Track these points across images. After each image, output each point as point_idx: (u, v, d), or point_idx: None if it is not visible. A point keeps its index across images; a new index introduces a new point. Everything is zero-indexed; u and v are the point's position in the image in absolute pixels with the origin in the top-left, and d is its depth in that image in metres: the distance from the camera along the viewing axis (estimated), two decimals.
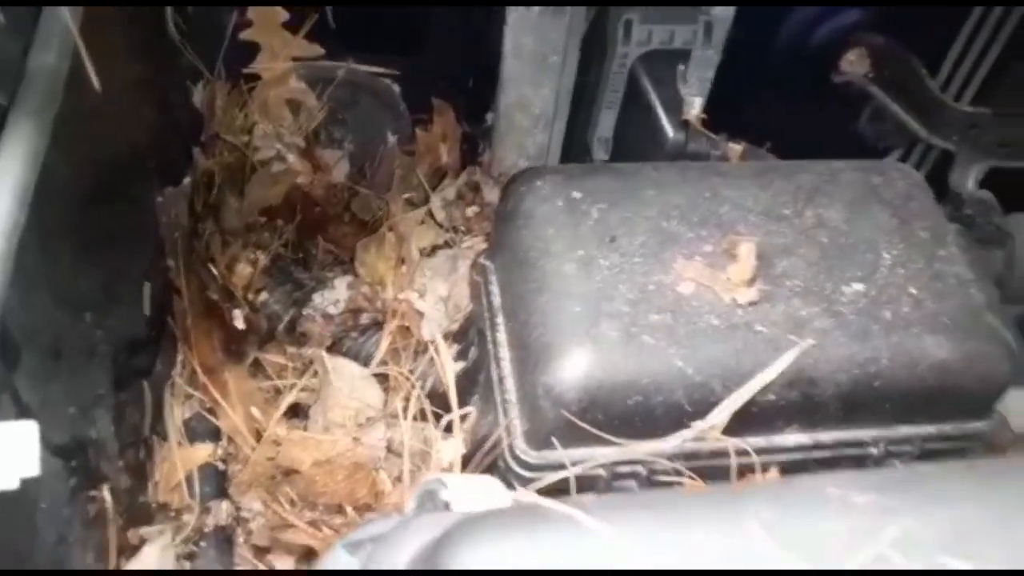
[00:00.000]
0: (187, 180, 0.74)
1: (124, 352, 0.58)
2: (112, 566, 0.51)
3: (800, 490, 0.32)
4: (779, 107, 0.99)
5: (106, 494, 0.50)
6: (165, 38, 0.76)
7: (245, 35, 0.85)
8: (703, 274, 0.58)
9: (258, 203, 0.75)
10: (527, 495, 0.41)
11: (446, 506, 0.38)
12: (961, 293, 0.60)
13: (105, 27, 0.56)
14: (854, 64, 0.90)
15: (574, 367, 0.55)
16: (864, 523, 0.30)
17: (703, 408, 0.56)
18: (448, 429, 0.70)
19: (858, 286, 0.59)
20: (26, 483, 0.34)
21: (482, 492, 0.38)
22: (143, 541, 0.55)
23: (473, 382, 0.71)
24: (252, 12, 0.84)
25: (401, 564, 0.33)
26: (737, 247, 0.58)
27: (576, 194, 0.63)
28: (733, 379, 0.56)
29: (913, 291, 0.60)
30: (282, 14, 0.85)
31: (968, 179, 0.90)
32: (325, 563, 0.36)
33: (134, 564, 0.54)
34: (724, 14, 0.80)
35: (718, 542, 0.29)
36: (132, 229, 0.62)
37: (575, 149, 0.94)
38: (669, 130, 0.77)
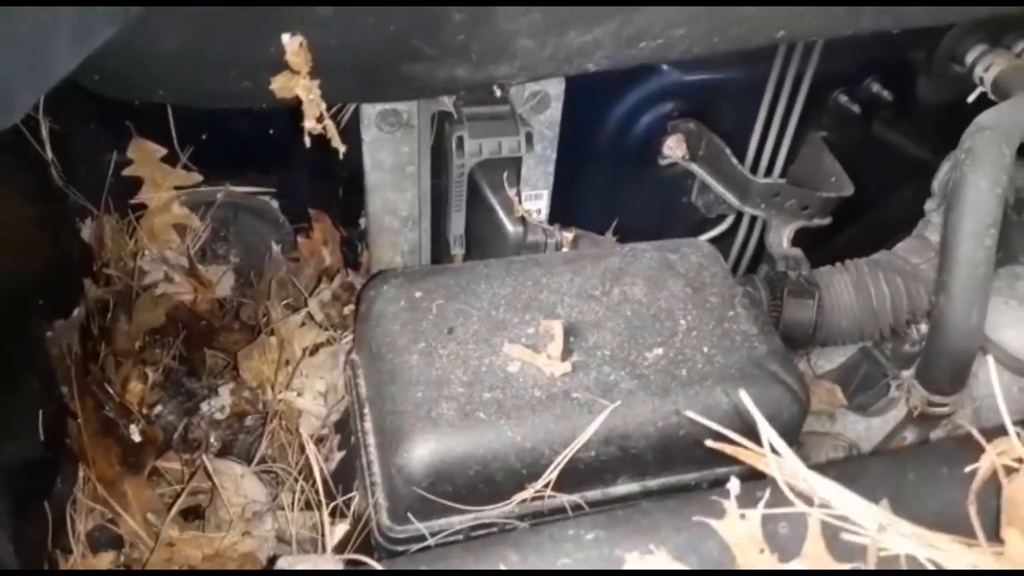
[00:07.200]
0: (78, 311, 0.81)
1: (22, 475, 0.65)
2: None
3: (543, 534, 0.42)
4: (620, 190, 1.12)
5: None
6: (50, 184, 0.84)
7: (127, 172, 0.94)
8: (526, 353, 0.68)
9: (144, 325, 0.84)
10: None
11: None
12: (747, 347, 0.71)
13: None
14: (674, 148, 1.04)
15: (418, 447, 0.64)
16: (592, 555, 0.39)
17: (537, 470, 0.66)
18: (334, 514, 0.78)
19: (658, 350, 0.70)
20: None
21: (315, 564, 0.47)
22: None
23: (355, 468, 0.80)
24: (132, 151, 0.93)
25: None
26: (551, 328, 0.68)
27: (417, 293, 0.73)
28: (558, 442, 0.65)
29: (706, 350, 0.71)
30: (159, 150, 0.94)
31: (781, 239, 1.04)
32: None
33: None
34: (549, 120, 0.93)
35: None
36: (20, 364, 0.70)
37: (444, 244, 1.05)
38: (508, 226, 0.87)
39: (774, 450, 0.40)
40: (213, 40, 0.55)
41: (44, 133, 0.78)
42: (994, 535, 0.38)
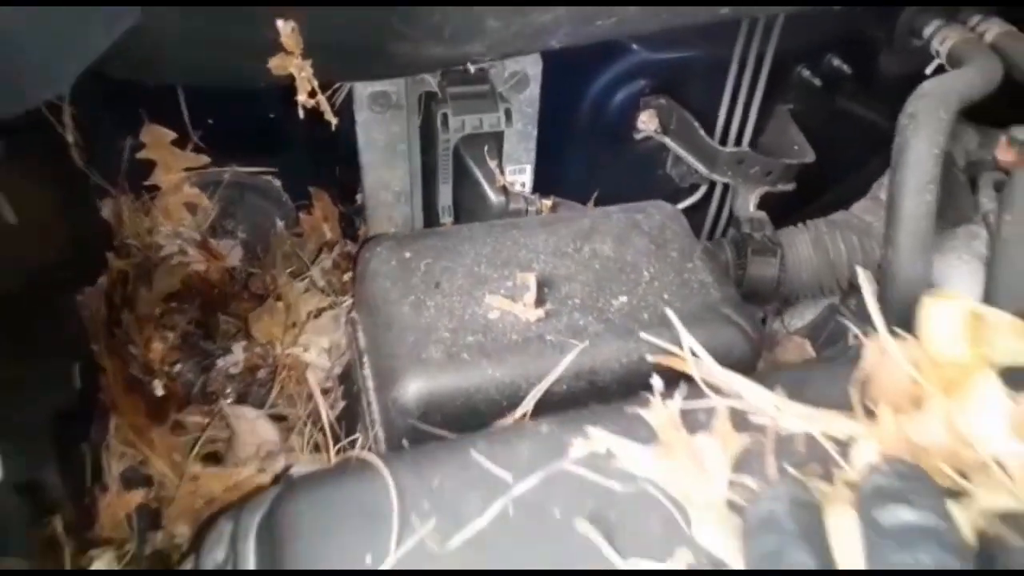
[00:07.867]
0: (102, 279, 0.90)
1: (62, 421, 0.74)
2: None
3: (508, 430, 0.50)
4: (600, 163, 1.20)
5: (57, 523, 0.65)
6: (72, 167, 0.92)
7: (141, 155, 1.02)
8: (504, 303, 0.76)
9: (162, 292, 0.92)
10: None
11: None
12: (702, 294, 0.79)
13: (22, 166, 0.73)
14: (647, 123, 1.12)
15: (411, 383, 0.72)
16: (548, 443, 0.47)
17: (515, 403, 0.73)
18: (339, 454, 0.86)
19: (623, 298, 0.78)
20: None
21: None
22: (91, 561, 0.70)
23: (357, 413, 0.88)
24: (144, 135, 1.02)
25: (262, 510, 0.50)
26: (526, 280, 0.76)
27: (407, 254, 0.81)
28: (533, 378, 0.73)
29: (666, 296, 0.79)
30: (170, 134, 1.02)
31: (747, 203, 1.12)
32: None
33: None
34: (528, 98, 1.00)
35: (449, 472, 0.47)
36: (57, 322, 0.78)
37: (434, 216, 1.13)
38: (491, 196, 0.96)
39: (695, 354, 0.48)
40: (220, 26, 0.63)
41: (67, 119, 0.86)
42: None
